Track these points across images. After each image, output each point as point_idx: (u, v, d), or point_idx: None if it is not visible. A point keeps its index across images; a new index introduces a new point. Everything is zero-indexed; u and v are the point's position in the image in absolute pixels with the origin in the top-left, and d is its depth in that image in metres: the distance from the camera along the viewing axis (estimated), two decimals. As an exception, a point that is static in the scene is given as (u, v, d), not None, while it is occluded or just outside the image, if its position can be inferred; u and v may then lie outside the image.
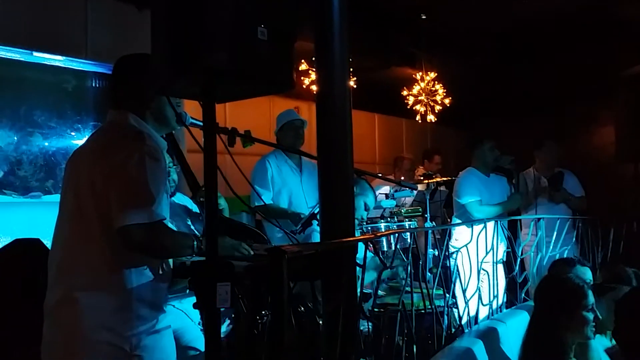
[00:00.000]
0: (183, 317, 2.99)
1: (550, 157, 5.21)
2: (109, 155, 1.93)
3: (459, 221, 4.63)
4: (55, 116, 4.32)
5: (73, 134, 4.40)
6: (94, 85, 4.52)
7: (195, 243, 1.98)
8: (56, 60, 4.31)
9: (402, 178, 5.90)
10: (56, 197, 2.06)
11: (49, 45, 4.20)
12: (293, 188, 4.15)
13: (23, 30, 4.05)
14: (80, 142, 4.26)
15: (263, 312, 2.17)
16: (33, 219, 3.95)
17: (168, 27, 1.71)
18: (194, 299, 1.79)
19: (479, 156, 4.76)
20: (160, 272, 2.02)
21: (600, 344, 2.82)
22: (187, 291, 3.01)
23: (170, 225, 2.07)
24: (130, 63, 2.10)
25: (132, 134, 1.97)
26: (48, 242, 3.00)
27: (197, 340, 2.92)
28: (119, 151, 1.92)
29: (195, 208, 3.13)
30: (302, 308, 2.20)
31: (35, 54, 4.17)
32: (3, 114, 4.06)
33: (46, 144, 4.28)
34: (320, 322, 2.22)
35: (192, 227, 3.04)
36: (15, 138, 4.12)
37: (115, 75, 2.12)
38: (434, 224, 4.92)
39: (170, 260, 2.08)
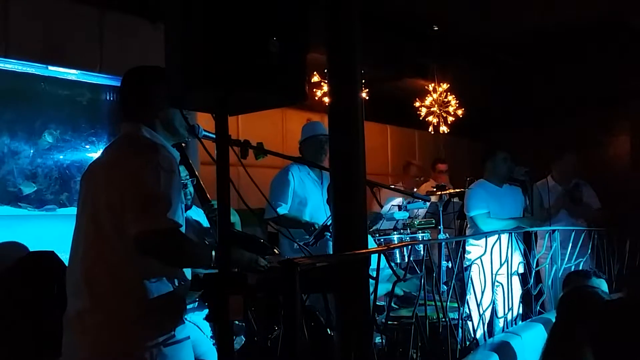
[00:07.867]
0: (195, 329, 2.98)
1: (568, 168, 5.17)
2: (122, 167, 1.94)
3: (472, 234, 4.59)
4: (70, 129, 4.35)
5: (87, 147, 4.43)
6: (108, 98, 4.55)
7: (214, 253, 1.96)
8: (71, 74, 4.35)
9: (415, 189, 5.87)
10: (71, 210, 2.09)
11: (64, 59, 4.24)
12: (314, 200, 4.10)
13: (38, 45, 4.09)
14: (94, 154, 4.29)
15: (275, 326, 2.16)
16: (48, 231, 3.97)
17: (181, 40, 1.72)
18: (205, 312, 1.79)
19: (491, 167, 4.72)
20: (180, 282, 2.01)
21: None
22: (196, 304, 3.01)
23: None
24: (137, 74, 2.13)
25: (146, 146, 1.98)
26: (62, 255, 3.01)
27: (209, 353, 2.91)
28: (133, 162, 1.93)
29: (207, 223, 3.12)
30: (313, 323, 2.19)
31: (50, 67, 4.21)
32: (18, 128, 4.10)
33: (61, 157, 4.31)
34: (332, 334, 2.20)
35: (206, 242, 3.04)
36: (31, 151, 4.16)
37: (124, 87, 2.14)
38: (447, 235, 4.89)
39: (188, 272, 2.08)
